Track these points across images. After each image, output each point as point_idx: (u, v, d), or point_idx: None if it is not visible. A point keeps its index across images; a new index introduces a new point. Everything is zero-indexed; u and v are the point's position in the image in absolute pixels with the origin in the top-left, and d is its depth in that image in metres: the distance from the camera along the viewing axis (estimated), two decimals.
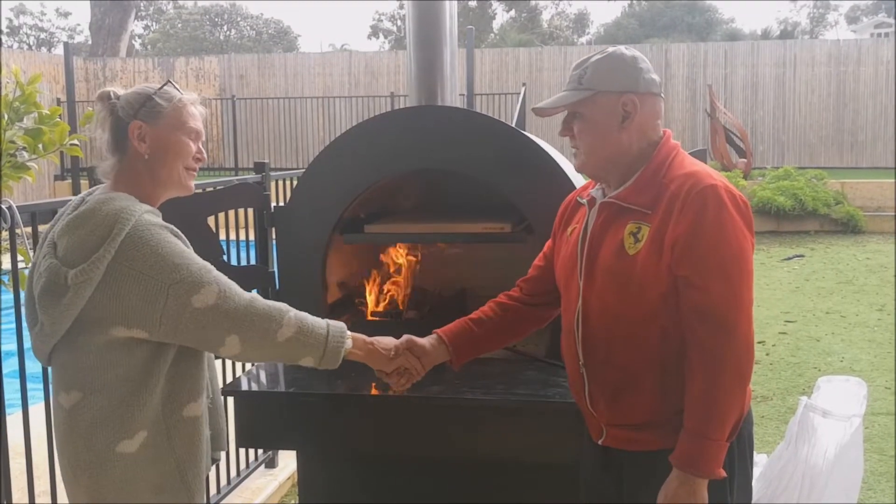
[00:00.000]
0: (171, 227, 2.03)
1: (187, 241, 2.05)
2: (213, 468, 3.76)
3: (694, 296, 1.95)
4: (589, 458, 2.27)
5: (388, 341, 2.32)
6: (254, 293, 2.05)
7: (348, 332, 2.18)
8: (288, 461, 4.33)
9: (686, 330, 1.97)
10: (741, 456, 2.08)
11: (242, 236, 4.02)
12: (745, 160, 14.18)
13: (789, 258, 10.75)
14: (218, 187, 3.53)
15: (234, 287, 2.01)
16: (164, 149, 2.08)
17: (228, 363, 3.80)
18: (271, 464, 4.36)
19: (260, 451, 4.28)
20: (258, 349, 2.04)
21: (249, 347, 2.02)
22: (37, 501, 2.80)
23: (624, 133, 2.08)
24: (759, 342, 6.45)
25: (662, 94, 2.15)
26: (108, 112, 2.08)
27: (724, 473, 1.95)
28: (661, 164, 2.07)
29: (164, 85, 2.11)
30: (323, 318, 2.88)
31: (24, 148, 3.05)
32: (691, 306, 1.96)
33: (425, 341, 2.39)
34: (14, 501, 2.73)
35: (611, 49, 2.13)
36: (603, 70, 2.08)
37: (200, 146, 2.15)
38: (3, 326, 2.67)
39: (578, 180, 2.83)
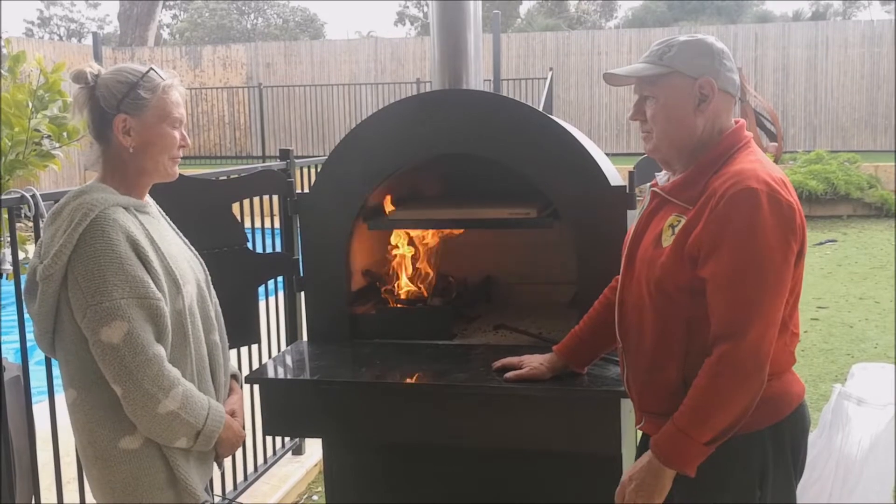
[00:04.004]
0: (133, 231, 1.95)
1: (147, 248, 1.97)
2: (241, 455, 3.79)
3: (712, 299, 1.92)
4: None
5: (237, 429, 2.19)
6: (161, 351, 1.95)
7: (225, 417, 2.10)
8: (315, 448, 4.33)
9: (711, 331, 1.93)
10: (779, 461, 2.02)
11: (269, 224, 4.01)
12: (776, 144, 13.96)
13: (821, 243, 10.59)
14: (242, 174, 3.53)
15: (146, 334, 1.91)
16: (150, 142, 2.01)
17: (254, 349, 3.79)
18: (298, 451, 4.37)
19: (287, 439, 4.28)
20: (134, 413, 1.94)
21: (129, 406, 1.94)
22: (64, 489, 2.82)
23: (699, 117, 2.02)
24: None
25: (739, 98, 2.07)
26: (88, 97, 2.01)
27: (692, 472, 1.92)
28: (717, 158, 2.01)
29: (147, 72, 2.02)
30: (347, 305, 2.88)
31: (48, 136, 3.06)
32: (710, 309, 1.92)
33: (544, 368, 2.45)
34: (42, 487, 2.75)
35: (700, 35, 2.08)
36: (688, 52, 2.02)
37: (184, 132, 2.09)
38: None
39: (606, 165, 2.78)
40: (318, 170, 2.95)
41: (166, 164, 2.06)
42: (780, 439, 2.01)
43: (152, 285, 1.93)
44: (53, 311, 1.94)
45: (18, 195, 2.54)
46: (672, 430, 1.93)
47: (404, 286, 3.15)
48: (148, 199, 2.15)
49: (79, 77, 2.00)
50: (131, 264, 1.91)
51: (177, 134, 2.06)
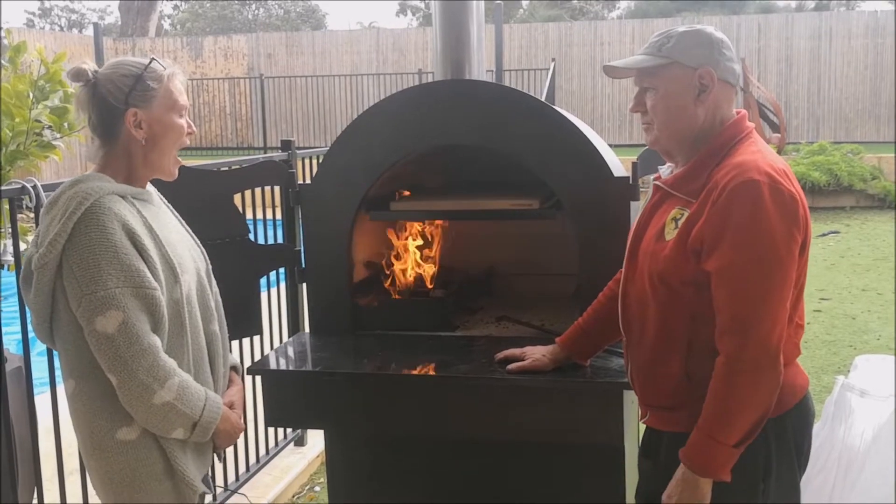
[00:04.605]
0: (129, 220, 1.93)
1: (143, 237, 1.95)
2: (243, 446, 3.79)
3: (717, 294, 1.91)
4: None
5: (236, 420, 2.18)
6: (156, 341, 1.94)
7: (223, 408, 2.09)
8: (317, 440, 4.34)
9: (716, 326, 1.92)
10: (783, 453, 2.01)
11: (270, 215, 4.00)
12: (778, 135, 13.93)
13: (824, 234, 10.57)
14: (243, 165, 3.52)
15: (141, 324, 1.90)
16: (161, 133, 2.02)
17: (256, 340, 3.79)
18: (300, 442, 4.38)
19: (289, 430, 4.29)
20: (130, 403, 1.93)
21: (124, 396, 1.93)
22: (66, 480, 2.82)
23: (700, 107, 2.01)
24: None
25: (741, 87, 2.06)
26: (91, 94, 1.99)
27: (727, 477, 1.90)
28: (719, 149, 2.00)
29: (150, 63, 2.02)
30: (349, 296, 2.88)
31: (49, 127, 3.05)
32: (716, 304, 1.91)
33: (547, 360, 2.44)
34: (44, 479, 2.75)
35: (699, 26, 2.07)
36: (687, 42, 2.02)
37: (189, 119, 2.09)
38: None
39: (610, 156, 2.77)
40: (320, 161, 2.94)
41: (172, 160, 2.07)
42: (784, 432, 2.00)
43: (148, 275, 1.92)
44: (49, 300, 1.93)
45: (19, 186, 2.54)
46: (699, 438, 1.92)
47: (406, 278, 3.15)
48: (149, 186, 2.13)
49: (79, 75, 1.98)
50: (126, 253, 1.90)
51: (183, 122, 2.06)
